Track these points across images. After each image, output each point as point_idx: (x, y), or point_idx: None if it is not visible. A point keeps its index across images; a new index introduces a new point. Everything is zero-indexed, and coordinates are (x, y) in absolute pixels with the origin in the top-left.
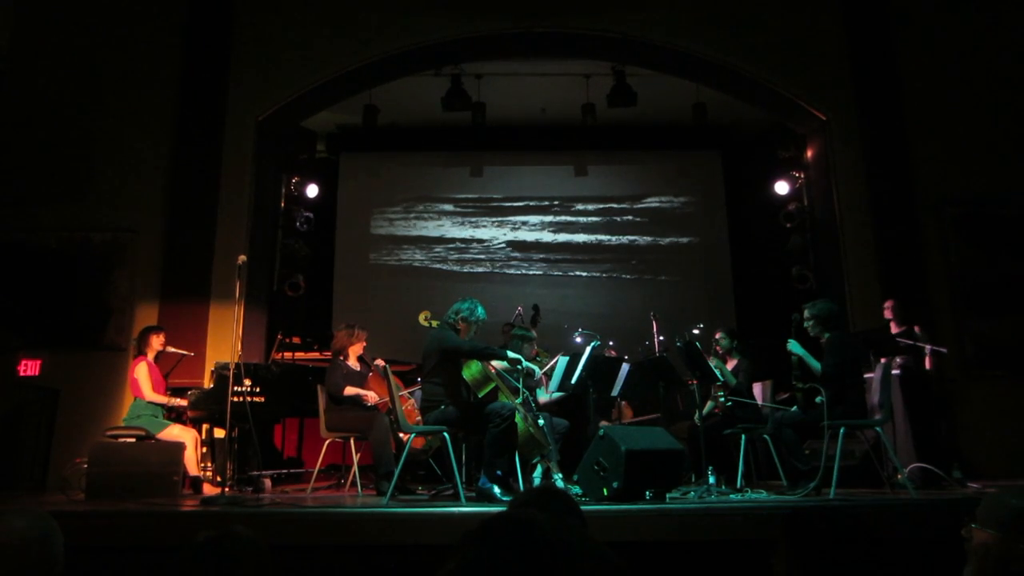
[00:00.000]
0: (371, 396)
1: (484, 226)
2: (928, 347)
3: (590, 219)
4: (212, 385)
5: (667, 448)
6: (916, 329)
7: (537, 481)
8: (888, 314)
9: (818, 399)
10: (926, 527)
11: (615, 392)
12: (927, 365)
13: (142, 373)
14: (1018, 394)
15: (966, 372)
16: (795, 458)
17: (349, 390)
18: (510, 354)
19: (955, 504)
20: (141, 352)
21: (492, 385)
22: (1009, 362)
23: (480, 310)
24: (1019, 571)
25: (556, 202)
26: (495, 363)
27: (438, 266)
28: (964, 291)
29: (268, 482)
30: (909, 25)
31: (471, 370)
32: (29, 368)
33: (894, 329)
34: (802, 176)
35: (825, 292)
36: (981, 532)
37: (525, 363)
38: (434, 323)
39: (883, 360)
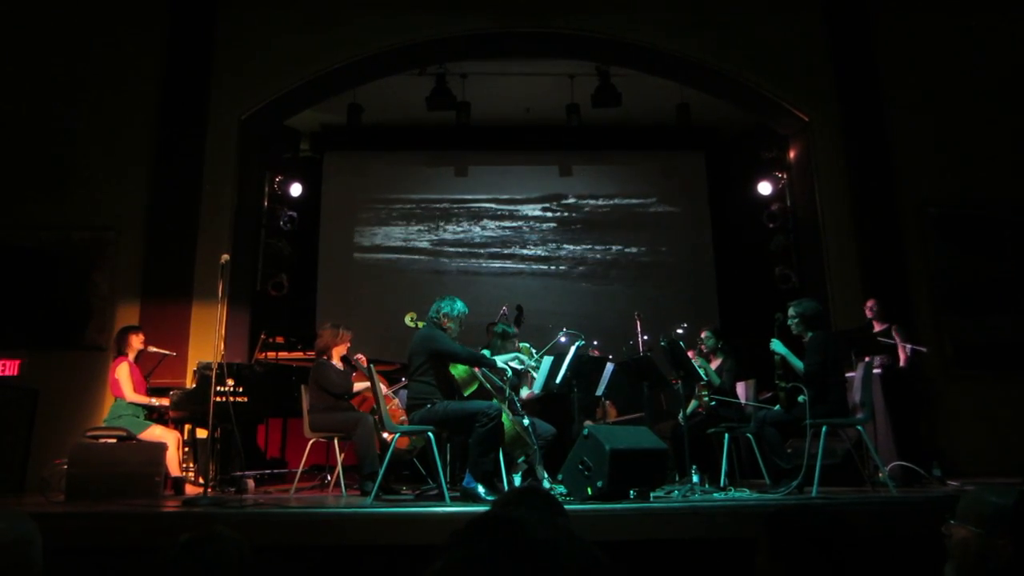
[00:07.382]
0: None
1: (468, 225)
2: (908, 346)
3: (575, 219)
4: (194, 385)
5: (651, 447)
6: (893, 329)
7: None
8: (869, 313)
9: (800, 398)
10: (907, 524)
11: (599, 391)
12: (902, 363)
13: (123, 373)
14: (997, 393)
15: (946, 371)
16: (778, 457)
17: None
18: (499, 363)
19: (935, 502)
20: (121, 352)
21: (477, 384)
22: (988, 361)
23: (459, 305)
24: (997, 567)
25: (541, 202)
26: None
27: (422, 266)
28: (944, 291)
29: (251, 483)
30: (890, 27)
31: (458, 369)
32: (8, 368)
33: (876, 327)
34: (785, 176)
35: (807, 291)
36: (961, 529)
37: (509, 372)
38: (420, 324)
39: (867, 359)
